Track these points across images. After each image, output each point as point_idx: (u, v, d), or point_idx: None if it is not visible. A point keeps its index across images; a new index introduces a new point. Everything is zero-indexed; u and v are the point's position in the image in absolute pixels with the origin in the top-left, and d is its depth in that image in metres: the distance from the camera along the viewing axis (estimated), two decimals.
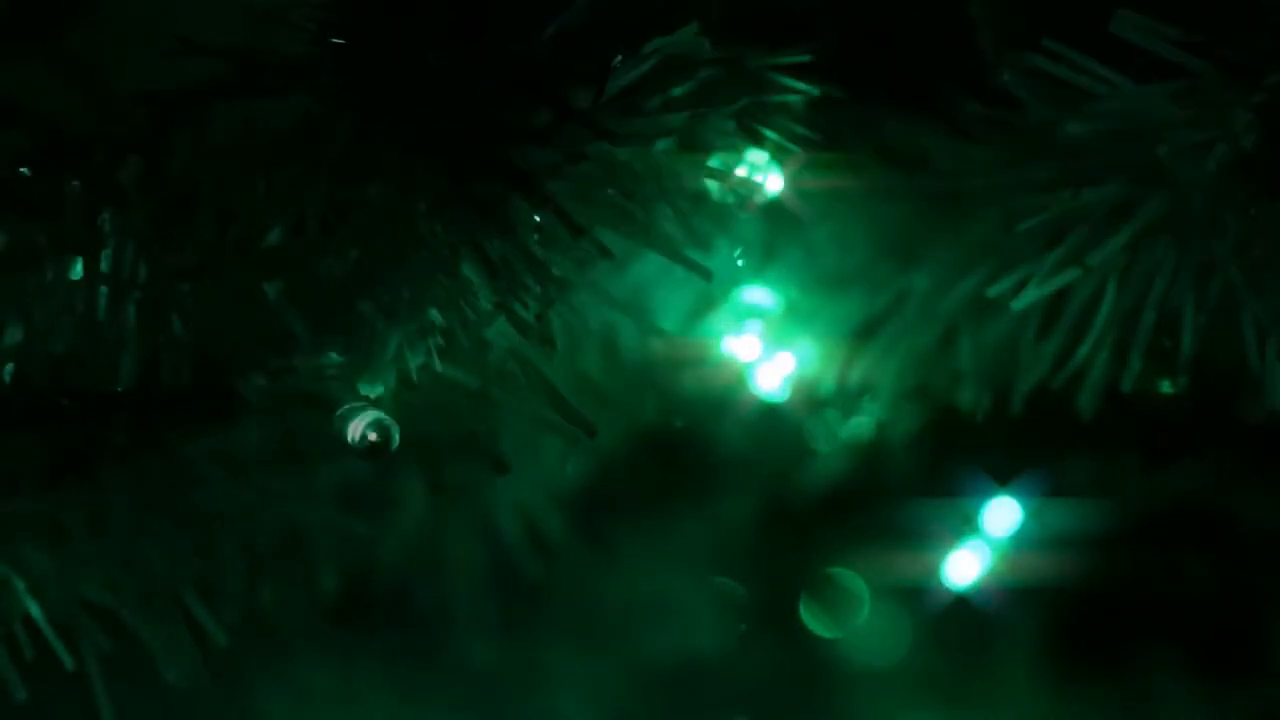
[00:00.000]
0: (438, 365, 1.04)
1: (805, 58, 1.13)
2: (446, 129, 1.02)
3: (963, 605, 1.56)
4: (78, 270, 1.07)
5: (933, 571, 1.55)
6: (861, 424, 1.44)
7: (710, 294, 1.35)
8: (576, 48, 1.05)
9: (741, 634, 1.63)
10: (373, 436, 1.04)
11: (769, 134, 1.16)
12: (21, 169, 1.08)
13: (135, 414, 1.11)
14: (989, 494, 1.55)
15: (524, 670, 1.61)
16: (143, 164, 1.06)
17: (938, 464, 1.50)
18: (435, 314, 1.04)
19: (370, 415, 1.04)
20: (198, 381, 1.09)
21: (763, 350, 1.36)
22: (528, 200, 1.02)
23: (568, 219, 1.03)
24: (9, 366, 1.08)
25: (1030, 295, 1.14)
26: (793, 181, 1.19)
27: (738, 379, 1.38)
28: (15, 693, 1.15)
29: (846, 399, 1.41)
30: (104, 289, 1.07)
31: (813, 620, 1.63)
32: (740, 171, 1.16)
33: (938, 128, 1.24)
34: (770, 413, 1.42)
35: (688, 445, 1.54)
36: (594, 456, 1.51)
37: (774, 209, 1.22)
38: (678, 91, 1.08)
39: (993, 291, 1.15)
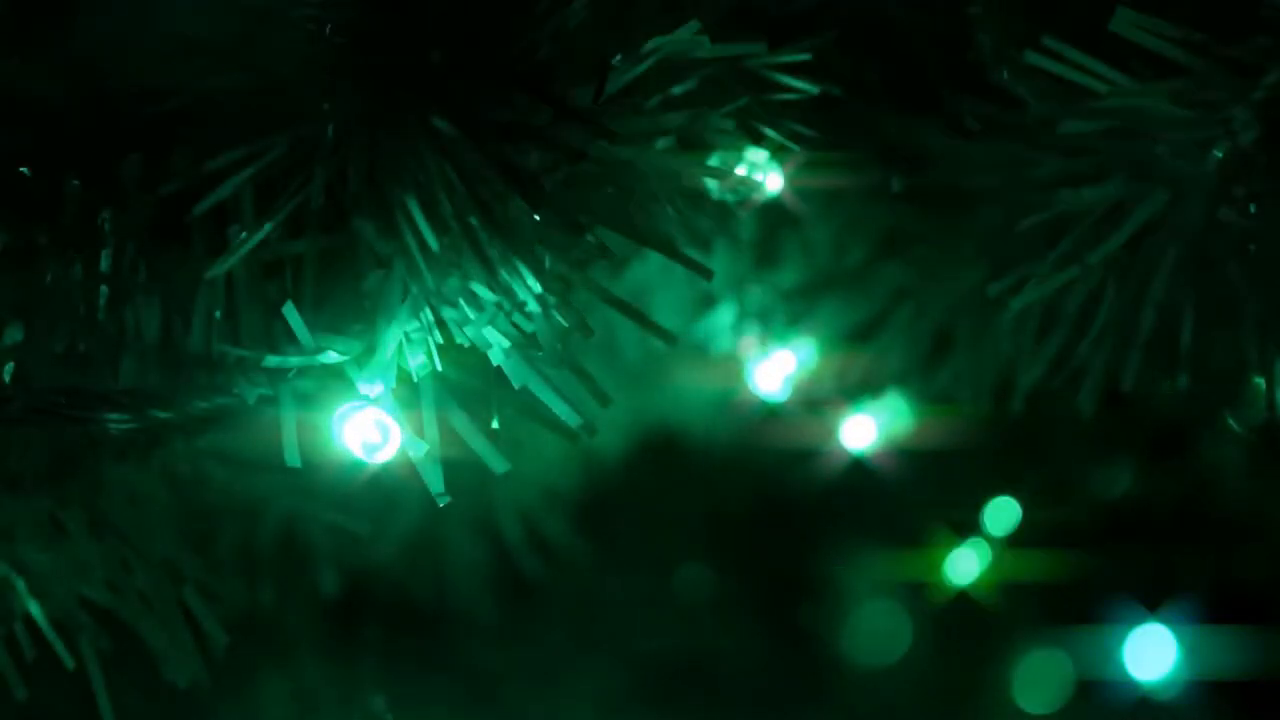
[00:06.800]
0: (438, 364, 1.04)
1: (805, 57, 1.13)
2: (446, 128, 1.02)
3: (962, 605, 1.56)
4: (78, 270, 1.07)
5: (932, 571, 1.55)
6: (861, 424, 1.44)
7: (710, 294, 1.35)
8: (576, 47, 1.05)
9: (741, 634, 1.63)
10: (373, 436, 1.04)
11: (769, 134, 1.16)
12: (21, 169, 1.08)
13: (135, 414, 1.11)
14: (989, 494, 1.55)
15: (524, 670, 1.61)
16: (142, 164, 1.06)
17: (938, 464, 1.50)
18: (435, 313, 1.04)
19: (370, 415, 1.04)
20: (198, 381, 1.09)
21: (763, 350, 1.36)
22: (528, 200, 1.01)
23: (568, 219, 1.03)
24: (9, 366, 1.08)
25: (1029, 294, 1.14)
26: (793, 181, 1.19)
27: (738, 379, 1.38)
28: (15, 692, 1.15)
29: (846, 399, 1.41)
30: (104, 289, 1.07)
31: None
32: (740, 171, 1.16)
33: (938, 127, 1.24)
34: (770, 412, 1.42)
35: (688, 445, 1.54)
36: (594, 456, 1.52)
37: (774, 209, 1.22)
38: (678, 91, 1.08)
39: (992, 291, 1.15)
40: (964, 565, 1.54)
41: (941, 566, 1.54)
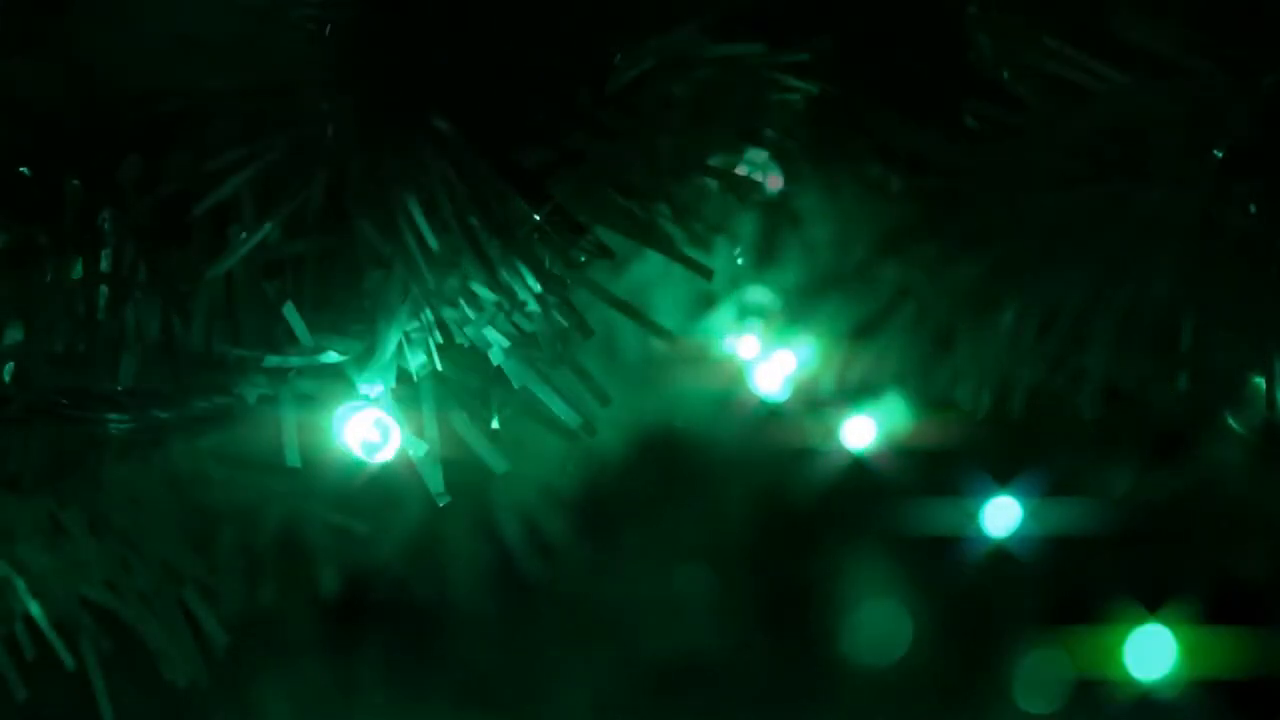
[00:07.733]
0: (438, 364, 1.04)
1: (805, 57, 1.13)
2: (446, 128, 1.02)
3: (962, 605, 1.56)
4: (78, 270, 1.07)
5: (932, 571, 1.55)
6: (861, 424, 1.44)
7: (710, 294, 1.35)
8: (576, 47, 1.05)
9: (741, 634, 1.63)
10: (373, 436, 1.04)
11: (769, 133, 1.16)
12: (21, 169, 1.08)
13: (135, 414, 1.11)
14: (989, 494, 1.55)
15: (524, 670, 1.61)
16: (142, 164, 1.06)
17: (938, 464, 1.50)
18: (435, 313, 1.04)
19: (370, 415, 1.04)
20: (198, 381, 1.09)
21: (763, 350, 1.36)
22: (528, 200, 1.01)
23: (568, 219, 1.03)
24: (9, 366, 1.08)
25: (1029, 294, 1.14)
26: (793, 181, 1.19)
27: (738, 379, 1.38)
28: (15, 693, 1.15)
29: (846, 399, 1.41)
30: (104, 289, 1.07)
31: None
32: (740, 171, 1.16)
33: (937, 127, 1.24)
34: (770, 412, 1.42)
35: (688, 445, 1.54)
36: (594, 456, 1.52)
37: (774, 208, 1.22)
38: (678, 91, 1.08)
39: (992, 291, 1.15)
40: (963, 565, 1.54)
41: (941, 566, 1.54)
